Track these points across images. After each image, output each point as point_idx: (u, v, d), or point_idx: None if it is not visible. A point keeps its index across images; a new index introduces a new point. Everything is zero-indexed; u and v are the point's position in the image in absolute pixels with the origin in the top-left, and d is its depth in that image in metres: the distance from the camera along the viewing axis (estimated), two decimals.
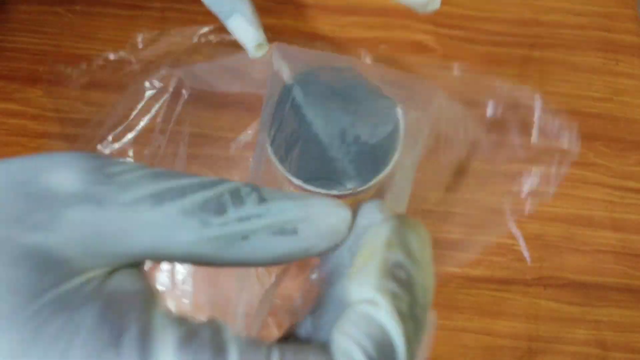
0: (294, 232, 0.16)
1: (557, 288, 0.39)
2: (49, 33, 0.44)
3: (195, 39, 0.38)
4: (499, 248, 0.40)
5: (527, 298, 0.39)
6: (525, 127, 0.40)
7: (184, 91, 0.39)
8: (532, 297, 0.39)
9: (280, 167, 0.29)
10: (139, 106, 0.38)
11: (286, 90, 0.30)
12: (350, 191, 0.29)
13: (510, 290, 0.39)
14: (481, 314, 0.38)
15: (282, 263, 0.16)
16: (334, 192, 0.29)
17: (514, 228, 0.41)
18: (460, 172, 0.42)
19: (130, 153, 0.38)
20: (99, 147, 0.38)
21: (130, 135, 0.38)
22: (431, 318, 0.17)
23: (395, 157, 0.29)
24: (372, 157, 0.34)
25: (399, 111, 0.30)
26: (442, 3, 0.47)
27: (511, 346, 0.38)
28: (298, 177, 0.29)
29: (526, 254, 0.40)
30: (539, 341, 0.38)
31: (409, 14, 0.46)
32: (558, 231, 0.41)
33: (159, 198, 0.14)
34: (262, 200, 0.16)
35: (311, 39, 0.45)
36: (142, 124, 0.40)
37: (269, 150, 0.29)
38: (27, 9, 0.45)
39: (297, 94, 0.31)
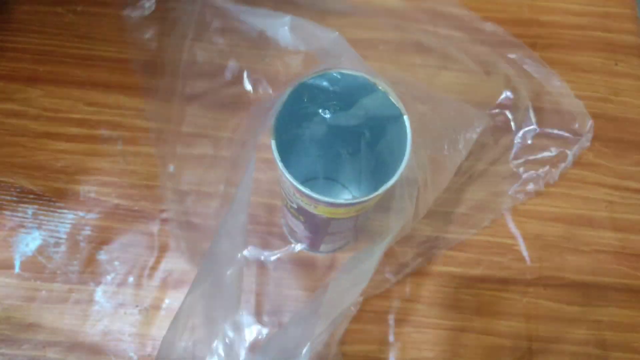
0: None
1: (557, 288, 0.39)
2: (50, 33, 0.45)
3: None
4: (499, 248, 0.40)
5: (527, 298, 0.39)
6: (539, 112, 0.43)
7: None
8: (532, 297, 0.39)
9: (286, 174, 0.29)
10: None
11: (295, 92, 0.30)
12: (354, 201, 0.29)
13: (510, 290, 0.39)
14: (481, 313, 0.38)
15: None
16: (339, 200, 0.29)
17: (513, 228, 0.41)
18: (459, 172, 0.42)
19: None
20: None
21: None
22: None
23: (402, 167, 0.29)
24: (377, 165, 0.34)
25: (407, 120, 0.30)
26: (442, 3, 0.47)
27: (511, 346, 0.38)
28: (302, 176, 0.29)
29: (525, 253, 0.40)
30: (538, 341, 0.38)
31: (407, 14, 0.46)
32: (558, 231, 0.41)
33: None
34: None
35: None
36: None
37: (276, 154, 0.29)
38: (28, 9, 0.45)
39: (306, 96, 0.31)
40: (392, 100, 0.30)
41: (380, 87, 0.30)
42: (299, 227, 0.35)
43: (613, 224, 0.41)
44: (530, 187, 0.41)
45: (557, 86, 0.43)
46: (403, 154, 0.29)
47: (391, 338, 0.37)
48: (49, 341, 0.36)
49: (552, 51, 0.46)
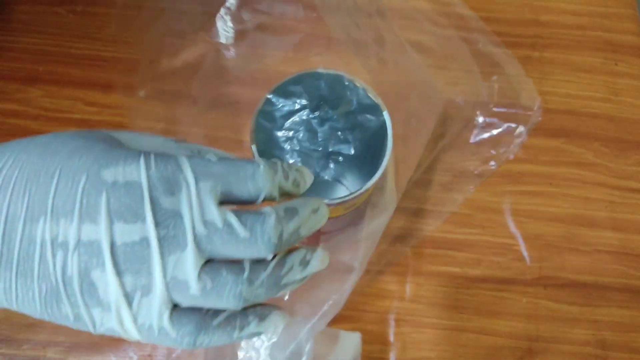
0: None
1: (557, 288, 0.39)
2: (50, 33, 0.45)
3: None
4: (499, 248, 0.40)
5: (527, 298, 0.39)
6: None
7: None
8: (532, 297, 0.39)
9: None
10: None
11: (274, 94, 0.30)
12: (340, 200, 0.29)
13: (510, 290, 0.39)
14: (481, 314, 0.38)
15: None
16: (325, 200, 0.29)
17: (513, 228, 0.41)
18: (459, 173, 0.42)
19: None
20: None
21: None
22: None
23: (384, 163, 0.29)
24: (360, 163, 0.34)
25: (386, 116, 0.30)
26: (442, 3, 0.47)
27: (511, 346, 0.38)
28: None
29: (525, 253, 0.40)
30: (538, 341, 0.38)
31: (407, 14, 0.46)
32: (558, 231, 0.41)
33: None
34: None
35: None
36: None
37: (257, 158, 0.29)
38: (28, 9, 0.45)
39: (286, 97, 0.31)
40: (371, 96, 0.30)
41: (358, 84, 0.30)
42: None
43: (613, 224, 0.41)
44: (492, 164, 0.42)
45: (509, 65, 0.44)
46: (384, 148, 0.29)
47: (391, 338, 0.37)
48: (49, 341, 0.36)
49: (552, 51, 0.46)
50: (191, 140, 0.25)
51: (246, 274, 0.20)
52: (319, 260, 0.23)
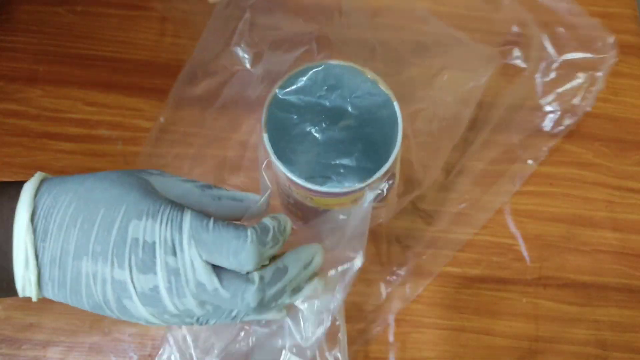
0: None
1: (557, 288, 0.39)
2: (50, 33, 0.45)
3: None
4: (499, 248, 0.40)
5: (527, 298, 0.39)
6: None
7: None
8: (532, 297, 0.39)
9: (283, 169, 0.29)
10: None
11: (284, 85, 0.30)
12: (351, 188, 0.29)
13: (510, 290, 0.39)
14: (481, 314, 0.38)
15: None
16: (336, 189, 0.29)
17: (513, 228, 0.41)
18: (460, 171, 0.42)
19: None
20: None
21: None
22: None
23: (395, 153, 0.29)
24: (371, 152, 0.34)
25: (396, 106, 0.30)
26: (441, 4, 0.47)
27: (511, 346, 0.38)
28: (298, 176, 0.29)
29: (525, 253, 0.40)
30: (538, 341, 0.38)
31: (406, 14, 0.46)
32: (558, 231, 0.41)
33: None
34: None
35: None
36: None
37: (270, 151, 0.29)
38: (28, 9, 0.45)
39: (296, 89, 0.31)
40: (382, 87, 0.30)
41: (369, 76, 0.30)
42: (298, 225, 0.35)
43: (613, 224, 0.41)
44: (568, 120, 0.40)
45: (568, 9, 0.41)
46: (395, 140, 0.29)
47: (391, 338, 0.37)
48: (49, 341, 0.37)
49: None
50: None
51: (234, 313, 0.25)
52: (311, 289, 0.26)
